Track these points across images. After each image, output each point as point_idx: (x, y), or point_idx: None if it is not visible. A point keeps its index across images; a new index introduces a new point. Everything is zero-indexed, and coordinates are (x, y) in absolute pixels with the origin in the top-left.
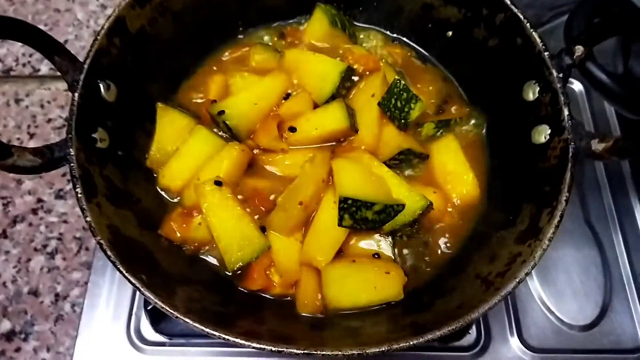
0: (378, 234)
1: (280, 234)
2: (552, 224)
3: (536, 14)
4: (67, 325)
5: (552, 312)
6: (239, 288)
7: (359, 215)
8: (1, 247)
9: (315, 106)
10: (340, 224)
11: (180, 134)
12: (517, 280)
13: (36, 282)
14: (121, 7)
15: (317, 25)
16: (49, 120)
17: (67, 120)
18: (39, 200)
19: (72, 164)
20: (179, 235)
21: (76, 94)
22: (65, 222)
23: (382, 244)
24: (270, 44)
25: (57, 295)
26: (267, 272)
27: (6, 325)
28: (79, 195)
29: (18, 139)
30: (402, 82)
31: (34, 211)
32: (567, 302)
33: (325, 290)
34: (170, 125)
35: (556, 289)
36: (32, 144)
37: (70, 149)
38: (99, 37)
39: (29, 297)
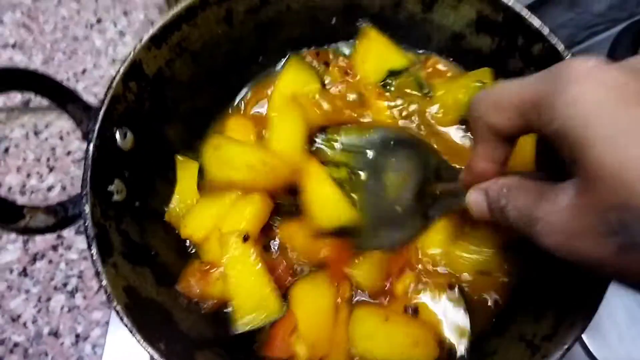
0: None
1: None
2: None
3: (570, 34)
4: None
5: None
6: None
7: None
8: (21, 286)
9: None
10: None
11: None
12: (565, 346)
13: (57, 322)
14: (136, 50)
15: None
16: (69, 153)
17: (83, 174)
18: (59, 237)
19: (86, 223)
20: (197, 291)
21: (91, 145)
22: (85, 258)
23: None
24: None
25: (77, 335)
26: (291, 339)
27: None
28: (94, 257)
29: (37, 172)
30: None
31: (54, 248)
32: (612, 348)
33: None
34: (190, 178)
35: (600, 334)
36: (51, 178)
37: (85, 206)
38: (113, 84)
39: (50, 338)
